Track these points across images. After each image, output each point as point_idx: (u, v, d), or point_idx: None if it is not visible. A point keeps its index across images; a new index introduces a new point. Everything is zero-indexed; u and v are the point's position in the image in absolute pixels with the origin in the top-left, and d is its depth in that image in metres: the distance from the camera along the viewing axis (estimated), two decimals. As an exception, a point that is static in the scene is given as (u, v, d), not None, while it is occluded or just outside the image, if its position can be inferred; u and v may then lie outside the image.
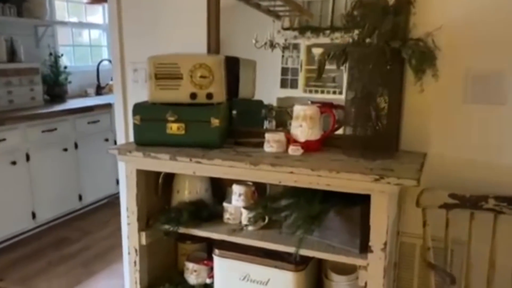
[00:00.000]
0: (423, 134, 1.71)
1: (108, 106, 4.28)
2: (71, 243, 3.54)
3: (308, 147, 1.65)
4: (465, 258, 1.57)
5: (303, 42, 1.83)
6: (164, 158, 1.64)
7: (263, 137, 1.72)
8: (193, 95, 1.73)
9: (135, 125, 1.75)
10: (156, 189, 1.88)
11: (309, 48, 1.80)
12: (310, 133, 1.66)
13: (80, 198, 4.05)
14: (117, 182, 4.45)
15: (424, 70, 1.44)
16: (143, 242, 1.77)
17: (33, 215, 3.58)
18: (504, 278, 1.61)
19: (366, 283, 1.43)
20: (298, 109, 1.67)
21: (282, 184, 1.55)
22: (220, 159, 1.56)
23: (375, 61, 1.53)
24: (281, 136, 1.67)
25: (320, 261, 1.82)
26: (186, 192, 1.85)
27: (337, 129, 1.72)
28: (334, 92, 1.75)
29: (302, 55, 1.82)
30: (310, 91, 1.80)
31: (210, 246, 2.05)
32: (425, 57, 1.44)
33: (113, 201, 4.48)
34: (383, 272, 1.40)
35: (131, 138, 2.20)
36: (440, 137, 1.70)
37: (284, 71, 1.86)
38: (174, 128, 1.72)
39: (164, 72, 1.73)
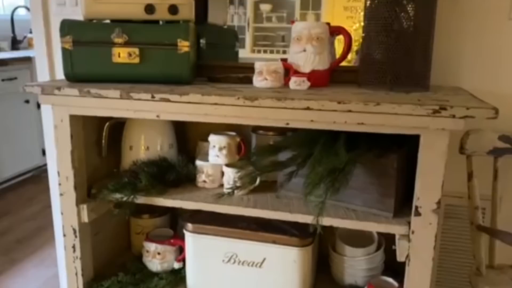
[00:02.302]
0: (456, 63, 1.34)
1: (27, 60, 3.54)
2: (-14, 226, 2.88)
3: (315, 80, 1.21)
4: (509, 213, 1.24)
5: (251, -3, 1.54)
6: (112, 96, 1.12)
7: (248, 73, 1.27)
8: (150, 8, 1.21)
9: (65, 51, 1.20)
10: (99, 146, 1.36)
11: (256, 4, 1.52)
12: (317, 60, 1.21)
13: (-4, 171, 3.33)
14: (43, 152, 3.79)
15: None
16: (85, 219, 1.26)
17: None
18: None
19: (408, 257, 1.05)
20: (300, 27, 1.22)
21: (285, 127, 1.11)
22: (198, 94, 1.07)
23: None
24: (278, 65, 1.21)
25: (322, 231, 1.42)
26: (142, 148, 1.35)
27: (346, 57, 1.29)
28: (284, 52, 1.53)
29: (249, 12, 1.53)
30: (259, 51, 1.58)
31: (174, 220, 1.59)
32: None
33: (38, 175, 3.79)
34: (434, 242, 1.02)
35: (59, 76, 1.64)
36: (478, 66, 1.33)
37: (230, 29, 1.58)
38: (123, 54, 1.20)
39: (106, -28, 1.19)
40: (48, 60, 1.66)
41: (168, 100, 1.09)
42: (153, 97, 1.09)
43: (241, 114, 1.06)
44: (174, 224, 1.57)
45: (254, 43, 1.56)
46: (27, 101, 3.59)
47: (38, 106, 3.72)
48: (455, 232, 1.43)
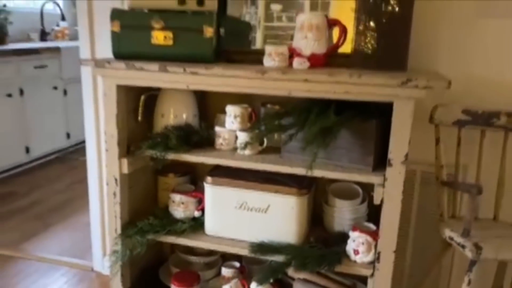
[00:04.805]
0: (432, 50, 1.61)
1: (56, 50, 3.87)
2: (20, 197, 3.20)
3: (314, 61, 1.49)
4: (473, 179, 1.51)
5: (262, -3, 1.71)
6: (152, 70, 1.42)
7: (259, 56, 1.55)
8: (182, 0, 1.50)
9: (113, 33, 1.50)
10: (136, 113, 1.65)
11: (267, 4, 1.70)
12: (316, 45, 1.50)
13: (27, 150, 3.66)
14: (68, 135, 4.12)
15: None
16: (125, 170, 1.55)
17: (-26, 167, 3.19)
18: None
19: (382, 200, 1.33)
20: (302, 19, 1.50)
21: (289, 96, 1.39)
22: (221, 68, 1.36)
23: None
24: (284, 49, 1.50)
25: (317, 188, 1.70)
26: (171, 117, 1.64)
27: (341, 45, 1.57)
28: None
29: (261, 11, 1.71)
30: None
31: (194, 179, 1.88)
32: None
33: (63, 157, 4.12)
34: (402, 187, 1.30)
35: (100, 54, 1.93)
36: (451, 53, 1.60)
37: (243, 28, 1.75)
38: (160, 37, 1.49)
39: (148, -29, 1.48)
40: (90, 45, 1.95)
41: (196, 73, 1.38)
42: (185, 70, 1.38)
43: (254, 84, 1.35)
44: (194, 184, 1.86)
45: (264, 41, 1.74)
46: (55, 88, 3.92)
47: (65, 92, 4.05)
48: (431, 196, 1.70)
